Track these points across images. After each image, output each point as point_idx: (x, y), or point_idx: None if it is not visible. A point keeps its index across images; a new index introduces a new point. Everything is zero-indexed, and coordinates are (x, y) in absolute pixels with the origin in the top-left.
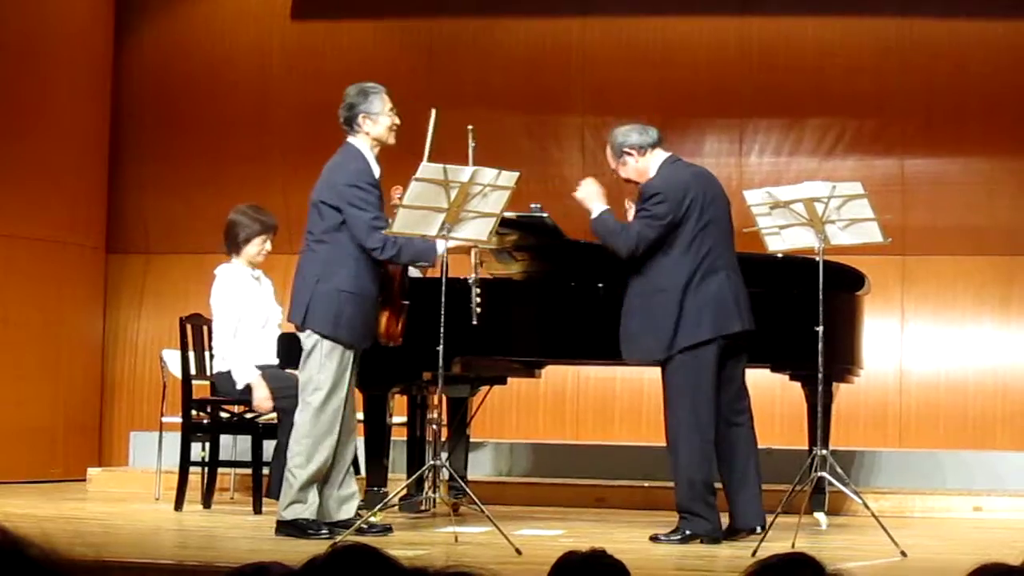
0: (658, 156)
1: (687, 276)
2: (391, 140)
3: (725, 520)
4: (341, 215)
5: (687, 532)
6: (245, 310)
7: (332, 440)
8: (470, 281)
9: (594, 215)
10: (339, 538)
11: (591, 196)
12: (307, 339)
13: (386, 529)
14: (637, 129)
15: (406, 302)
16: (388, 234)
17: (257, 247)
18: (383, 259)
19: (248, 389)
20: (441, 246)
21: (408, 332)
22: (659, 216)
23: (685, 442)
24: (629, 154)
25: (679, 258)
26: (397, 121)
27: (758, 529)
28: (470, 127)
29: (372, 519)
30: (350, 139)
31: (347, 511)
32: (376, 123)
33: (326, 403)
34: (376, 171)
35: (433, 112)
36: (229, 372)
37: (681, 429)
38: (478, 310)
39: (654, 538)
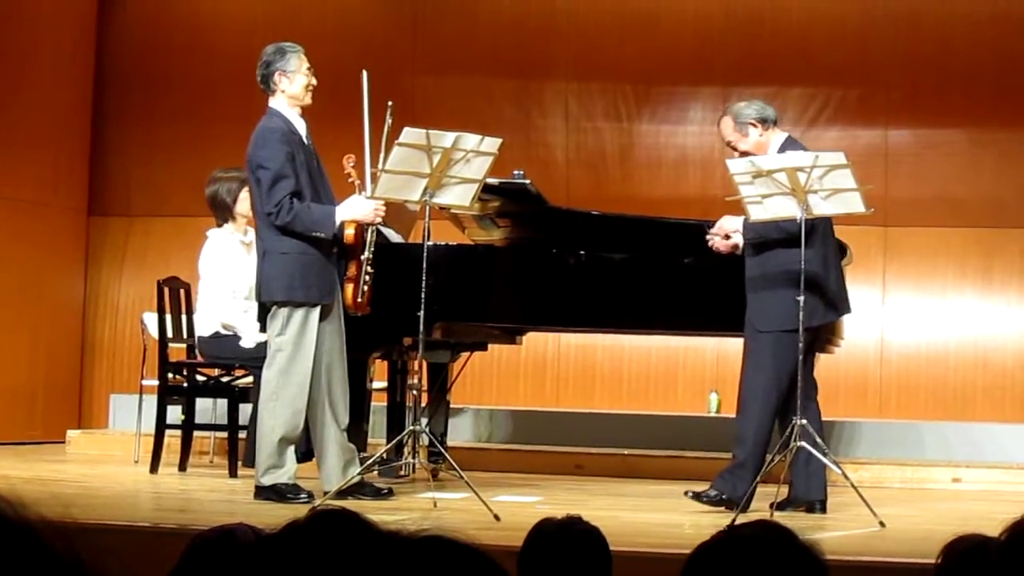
0: (779, 135)
1: (816, 256)
2: (307, 99)
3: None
4: None
5: (723, 496)
6: (232, 277)
7: (302, 403)
8: (362, 258)
9: (744, 233)
10: (318, 502)
11: (730, 224)
12: (271, 309)
13: (389, 492)
14: (759, 104)
15: (371, 270)
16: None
17: (247, 202)
18: (279, 225)
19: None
20: (339, 216)
21: (389, 297)
22: None
23: (762, 408)
24: (754, 126)
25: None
26: (314, 81)
27: (817, 506)
28: (389, 103)
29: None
30: (270, 102)
31: (350, 473)
32: (292, 81)
33: (291, 364)
34: (301, 128)
35: (365, 74)
36: (230, 335)
37: (760, 395)
38: (365, 288)
39: (691, 494)
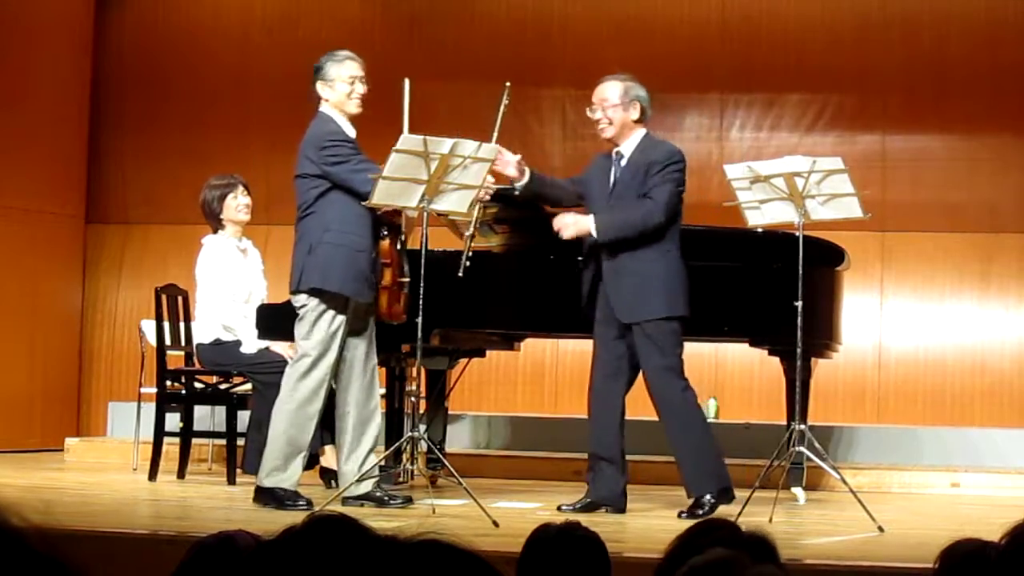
0: (642, 130)
1: (678, 245)
2: (351, 108)
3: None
4: (323, 183)
5: (714, 502)
6: (230, 280)
7: (314, 409)
8: (466, 234)
9: (596, 230)
10: (318, 509)
11: (576, 223)
12: (298, 303)
13: (407, 500)
14: (647, 97)
15: (406, 279)
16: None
17: (233, 204)
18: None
19: (264, 351)
20: None
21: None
22: (682, 183)
23: (695, 407)
24: (634, 108)
25: (677, 227)
26: (359, 89)
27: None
28: (507, 83)
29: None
30: (321, 107)
31: (366, 485)
32: (333, 89)
33: (310, 371)
34: (350, 132)
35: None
36: (233, 342)
37: (689, 394)
38: (467, 263)
39: (685, 514)
